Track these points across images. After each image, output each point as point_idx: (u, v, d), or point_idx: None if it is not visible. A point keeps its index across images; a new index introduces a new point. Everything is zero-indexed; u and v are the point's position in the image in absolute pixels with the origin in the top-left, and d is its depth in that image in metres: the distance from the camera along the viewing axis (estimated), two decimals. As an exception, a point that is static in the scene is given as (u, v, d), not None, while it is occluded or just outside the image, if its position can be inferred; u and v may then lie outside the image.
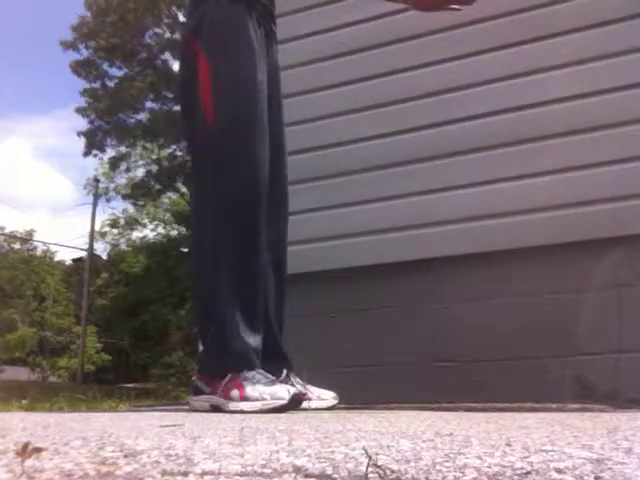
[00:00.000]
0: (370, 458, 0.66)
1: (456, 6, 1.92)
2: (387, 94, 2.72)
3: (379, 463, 0.65)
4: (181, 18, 20.09)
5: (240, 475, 0.64)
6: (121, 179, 24.08)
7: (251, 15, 1.88)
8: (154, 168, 21.53)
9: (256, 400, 1.64)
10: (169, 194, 23.27)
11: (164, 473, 0.65)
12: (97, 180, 24.87)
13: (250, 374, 1.69)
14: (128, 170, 23.13)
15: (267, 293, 1.91)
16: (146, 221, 27.10)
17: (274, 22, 2.02)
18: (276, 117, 1.97)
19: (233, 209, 1.77)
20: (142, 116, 20.84)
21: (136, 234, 28.35)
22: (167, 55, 20.76)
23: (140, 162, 22.63)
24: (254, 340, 1.76)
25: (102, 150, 21.12)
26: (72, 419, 1.35)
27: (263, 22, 1.94)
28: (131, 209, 26.69)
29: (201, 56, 1.85)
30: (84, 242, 27.52)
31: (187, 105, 1.92)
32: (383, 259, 2.55)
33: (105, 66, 20.26)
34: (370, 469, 0.63)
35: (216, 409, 1.69)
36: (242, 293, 1.77)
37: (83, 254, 26.90)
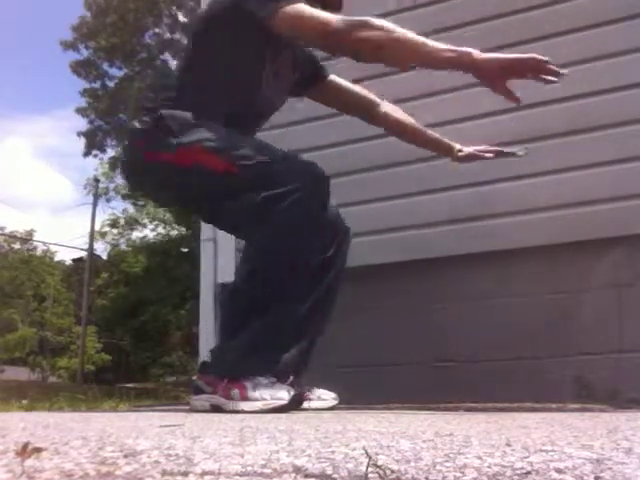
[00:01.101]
0: (370, 458, 0.66)
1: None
2: (387, 94, 2.72)
3: (379, 463, 0.65)
4: (181, 18, 20.12)
5: (240, 475, 0.64)
6: (121, 179, 24.07)
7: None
8: (154, 168, 21.50)
9: (256, 400, 1.64)
10: (169, 194, 23.22)
11: (164, 473, 0.65)
12: (97, 180, 24.87)
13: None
14: (128, 170, 23.10)
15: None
16: (146, 221, 27.10)
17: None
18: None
19: (295, 216, 1.72)
20: (142, 116, 20.82)
21: (136, 234, 28.34)
22: (167, 55, 20.75)
23: (140, 162, 22.60)
24: (285, 357, 1.79)
25: (102, 150, 21.13)
26: (72, 419, 1.35)
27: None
28: (131, 209, 26.69)
29: (169, 155, 1.80)
30: (84, 242, 27.52)
31: (197, 194, 1.87)
32: (383, 259, 2.55)
33: (105, 66, 20.27)
34: (370, 469, 0.63)
35: (216, 409, 1.69)
36: (293, 303, 1.78)
37: (83, 254, 26.90)
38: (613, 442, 0.81)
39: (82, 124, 21.76)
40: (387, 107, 2.24)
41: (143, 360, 26.86)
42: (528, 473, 0.62)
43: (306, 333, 1.94)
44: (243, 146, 1.82)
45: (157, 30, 20.44)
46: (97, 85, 20.52)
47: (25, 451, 0.68)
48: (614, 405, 1.98)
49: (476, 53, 1.76)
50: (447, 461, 0.67)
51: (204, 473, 0.65)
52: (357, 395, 2.32)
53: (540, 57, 1.78)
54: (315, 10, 1.82)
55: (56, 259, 36.73)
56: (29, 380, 22.97)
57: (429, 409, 2.00)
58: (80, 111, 20.22)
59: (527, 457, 0.68)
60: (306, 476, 0.63)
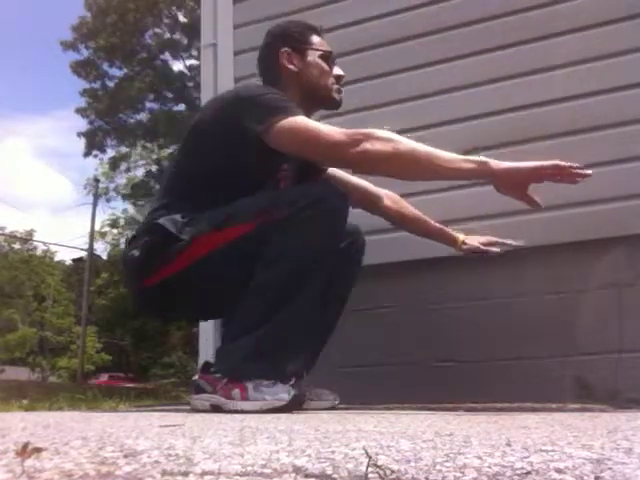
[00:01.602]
0: (370, 458, 0.66)
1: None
2: (387, 94, 2.72)
3: (379, 463, 0.65)
4: (181, 18, 20.12)
5: (240, 475, 0.64)
6: (121, 179, 24.09)
7: None
8: (154, 168, 21.54)
9: (256, 400, 1.64)
10: (169, 194, 23.24)
11: (164, 473, 0.65)
12: (97, 180, 24.89)
13: (253, 375, 1.70)
14: (128, 170, 23.16)
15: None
16: (146, 221, 27.05)
17: None
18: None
19: (314, 225, 1.71)
20: (142, 116, 20.86)
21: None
22: (167, 55, 20.76)
23: (140, 162, 22.66)
24: (294, 364, 1.79)
25: (102, 150, 21.17)
26: (72, 419, 1.35)
27: None
28: (131, 209, 26.69)
29: (176, 263, 1.76)
30: (84, 242, 27.51)
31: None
32: (383, 259, 2.55)
33: (105, 66, 20.28)
34: (370, 469, 0.63)
35: (216, 408, 1.69)
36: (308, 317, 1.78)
37: (83, 254, 26.90)
38: (613, 442, 0.81)
39: (82, 124, 21.77)
40: (387, 200, 2.25)
41: (143, 360, 26.86)
42: (528, 473, 0.62)
43: (315, 338, 1.94)
44: (238, 205, 1.77)
45: (157, 30, 20.45)
46: (97, 85, 20.54)
47: (25, 451, 0.68)
48: (614, 405, 1.98)
49: (494, 163, 1.71)
50: (447, 461, 0.67)
51: (204, 473, 0.65)
52: (357, 395, 2.32)
53: (563, 164, 1.70)
54: (314, 124, 1.76)
55: (56, 259, 36.77)
56: (29, 380, 22.97)
57: (429, 409, 2.00)
58: (80, 111, 20.24)
59: (527, 457, 0.68)
60: (306, 476, 0.63)
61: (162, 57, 20.73)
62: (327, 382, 2.10)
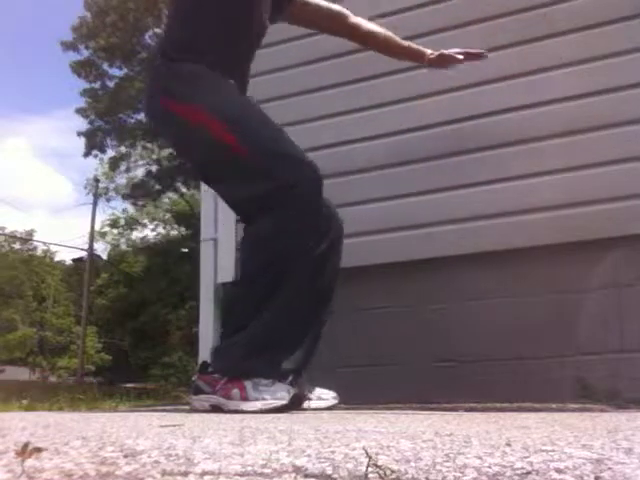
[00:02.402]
0: (370, 458, 0.66)
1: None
2: (387, 94, 2.72)
3: (379, 463, 0.65)
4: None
5: (240, 475, 0.64)
6: (121, 179, 24.08)
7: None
8: (154, 168, 21.54)
9: (256, 400, 1.64)
10: (169, 194, 23.27)
11: (164, 473, 0.65)
12: (97, 180, 24.87)
13: (252, 375, 1.70)
14: (128, 170, 23.14)
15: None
16: (146, 221, 27.10)
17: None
18: None
19: (300, 209, 1.76)
20: (142, 116, 20.84)
21: (136, 234, 28.35)
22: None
23: (140, 162, 22.64)
24: (289, 359, 1.79)
25: (102, 150, 21.14)
26: (72, 419, 1.35)
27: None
28: (131, 209, 26.70)
29: (183, 107, 1.83)
30: (84, 242, 27.50)
31: (207, 159, 1.88)
32: (383, 259, 2.55)
33: (105, 66, 20.27)
34: (370, 469, 0.63)
35: (216, 409, 1.69)
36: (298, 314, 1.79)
37: (83, 254, 26.89)
38: (613, 442, 0.81)
39: (82, 124, 21.76)
40: (359, 20, 2.27)
41: (143, 360, 26.85)
42: (528, 473, 0.62)
43: (307, 333, 1.94)
44: (248, 119, 1.83)
45: (157, 30, 20.43)
46: (97, 85, 20.52)
47: (25, 451, 0.68)
48: (614, 405, 1.98)
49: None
50: (447, 461, 0.67)
51: (204, 473, 0.65)
52: (357, 395, 2.32)
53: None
54: None
55: (56, 259, 36.75)
56: (29, 380, 22.96)
57: (429, 409, 2.00)
58: (80, 111, 20.23)
59: (527, 457, 0.68)
60: (306, 476, 0.63)
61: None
62: (327, 382, 2.10)
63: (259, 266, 1.77)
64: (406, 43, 2.27)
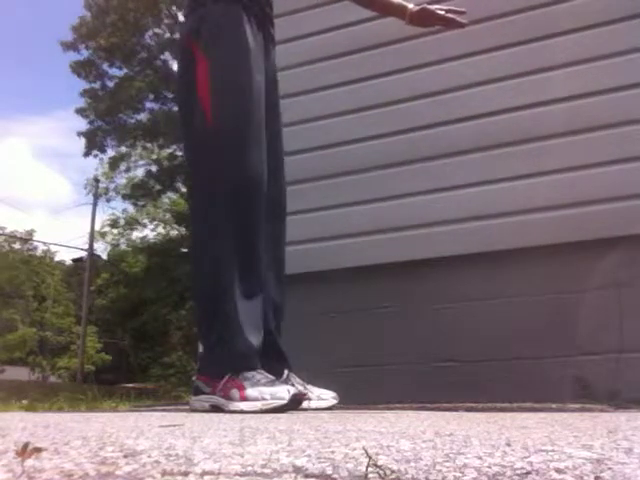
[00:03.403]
0: (370, 458, 0.66)
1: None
2: (387, 94, 2.72)
3: (379, 463, 0.65)
4: (181, 18, 20.08)
5: (240, 475, 0.64)
6: (121, 179, 24.09)
7: (249, 18, 1.89)
8: (154, 168, 21.55)
9: (256, 400, 1.64)
10: (169, 194, 23.28)
11: (164, 473, 0.65)
12: (97, 180, 24.88)
13: (250, 374, 1.69)
14: (128, 170, 23.15)
15: (266, 293, 1.91)
16: (146, 221, 27.11)
17: (272, 26, 2.03)
18: (273, 119, 1.98)
19: (231, 209, 1.78)
20: (142, 116, 20.86)
21: (136, 234, 28.35)
22: (167, 55, 20.75)
23: (140, 162, 22.65)
24: (257, 340, 1.76)
25: (102, 150, 21.13)
26: (72, 419, 1.34)
27: (261, 26, 1.94)
28: (131, 209, 26.71)
29: (200, 57, 1.86)
30: (84, 242, 27.52)
31: (186, 105, 1.93)
32: (383, 259, 2.55)
33: (105, 66, 20.27)
34: (370, 469, 0.63)
35: (216, 409, 1.69)
36: (244, 293, 1.77)
37: (83, 254, 26.89)
38: (613, 442, 0.81)
39: (82, 124, 21.77)
40: None
41: (143, 360, 26.85)
42: (528, 473, 0.62)
43: (265, 303, 1.91)
44: (236, 99, 1.84)
45: (157, 30, 20.44)
46: (97, 85, 20.53)
47: (25, 451, 0.68)
48: (614, 405, 1.98)
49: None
50: (447, 461, 0.67)
51: (204, 473, 0.64)
52: (357, 395, 2.32)
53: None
54: None
55: (56, 259, 36.75)
56: (29, 380, 22.97)
57: (429, 409, 2.00)
58: (80, 111, 20.23)
59: (527, 457, 0.68)
60: (306, 476, 0.63)
61: (162, 57, 20.73)
62: (327, 382, 2.10)
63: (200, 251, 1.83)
64: None
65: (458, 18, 2.11)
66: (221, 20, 1.88)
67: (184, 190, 21.80)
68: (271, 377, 1.70)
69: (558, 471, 0.62)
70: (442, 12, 2.13)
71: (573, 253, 2.33)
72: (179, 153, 19.68)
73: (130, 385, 16.33)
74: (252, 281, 1.80)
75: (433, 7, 2.15)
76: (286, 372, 1.83)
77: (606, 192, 2.30)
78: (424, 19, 2.15)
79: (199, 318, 1.88)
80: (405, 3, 2.19)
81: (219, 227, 1.78)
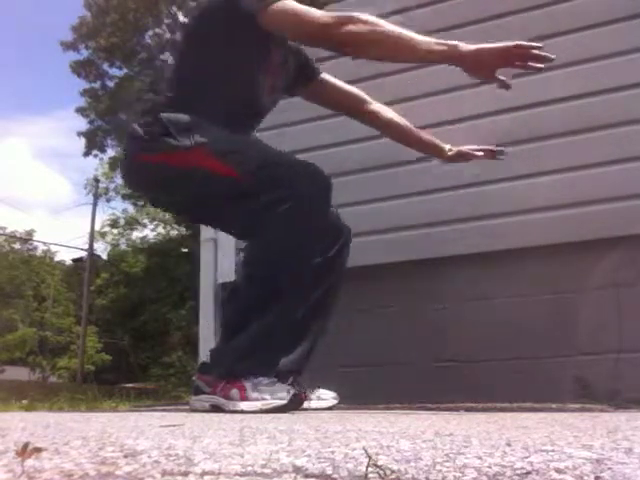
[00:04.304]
0: (370, 458, 0.66)
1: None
2: (387, 94, 2.72)
3: (379, 463, 0.65)
4: (181, 18, 20.06)
5: (240, 475, 0.64)
6: (121, 179, 24.06)
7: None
8: (154, 168, 21.52)
9: (256, 400, 1.64)
10: (169, 194, 23.24)
11: (164, 473, 0.65)
12: (97, 180, 24.89)
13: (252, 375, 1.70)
14: (128, 170, 23.11)
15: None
16: (146, 221, 27.10)
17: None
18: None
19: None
20: (142, 116, 20.83)
21: (136, 234, 28.35)
22: (167, 55, 20.70)
23: (140, 162, 22.62)
24: (285, 359, 1.80)
25: (102, 150, 21.13)
26: (72, 419, 1.35)
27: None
28: (131, 209, 26.71)
29: (175, 155, 1.80)
30: (84, 242, 27.51)
31: (199, 196, 1.85)
32: (383, 259, 2.55)
33: (105, 66, 20.26)
34: (370, 469, 0.63)
35: (216, 409, 1.69)
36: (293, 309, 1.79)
37: (83, 254, 26.89)
38: (613, 442, 0.80)
39: (82, 124, 21.77)
40: (378, 107, 2.25)
41: (143, 360, 26.84)
42: (528, 473, 0.62)
43: (307, 335, 1.94)
44: (244, 149, 1.83)
45: (157, 30, 20.42)
46: (97, 85, 20.52)
47: (25, 451, 0.68)
48: (614, 405, 1.98)
49: (463, 45, 1.74)
50: (447, 461, 0.67)
51: (204, 473, 0.64)
52: (357, 395, 2.32)
53: (527, 44, 1.76)
54: (302, 6, 1.84)
55: (56, 259, 36.73)
56: (29, 380, 22.96)
57: (429, 409, 2.00)
58: (80, 111, 20.23)
59: (527, 457, 0.68)
60: (306, 476, 0.63)
61: (162, 57, 20.71)
62: (327, 382, 2.10)
63: (264, 272, 1.76)
64: (425, 136, 2.24)
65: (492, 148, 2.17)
66: (184, 120, 1.83)
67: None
68: (273, 378, 1.70)
69: (558, 471, 0.62)
70: (478, 152, 2.17)
71: (573, 253, 2.33)
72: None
73: (130, 385, 16.32)
74: (301, 300, 1.81)
75: (469, 147, 2.19)
76: (291, 378, 1.83)
77: (606, 192, 2.30)
78: (460, 158, 2.21)
79: (234, 315, 1.84)
80: (441, 144, 2.22)
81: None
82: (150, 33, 20.15)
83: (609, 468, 0.63)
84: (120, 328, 27.55)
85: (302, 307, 1.81)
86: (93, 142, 20.54)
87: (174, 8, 19.70)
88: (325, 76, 2.23)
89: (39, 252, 36.12)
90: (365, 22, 1.76)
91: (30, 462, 0.67)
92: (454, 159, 2.22)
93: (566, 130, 2.40)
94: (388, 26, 1.76)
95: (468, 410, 1.84)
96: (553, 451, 0.72)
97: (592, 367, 2.24)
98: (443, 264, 2.48)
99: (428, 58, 1.84)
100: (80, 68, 19.90)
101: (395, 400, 2.29)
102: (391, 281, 2.59)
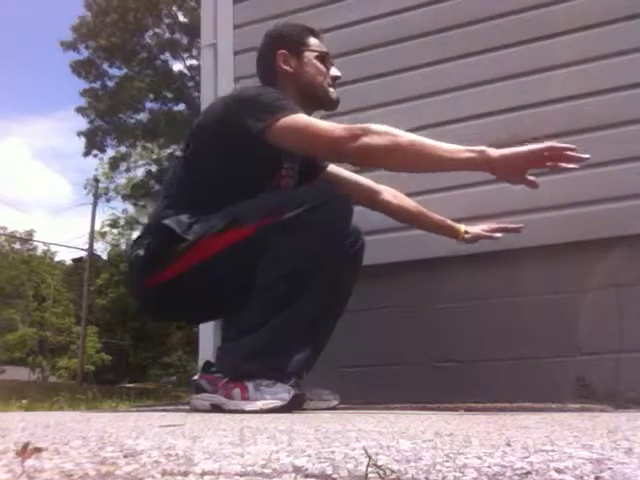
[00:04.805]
0: (370, 458, 0.66)
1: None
2: (386, 94, 2.72)
3: (379, 463, 0.65)
4: (181, 18, 20.11)
5: (240, 475, 0.64)
6: (121, 179, 24.10)
7: None
8: (154, 168, 21.55)
9: (257, 400, 1.64)
10: (169, 194, 23.25)
11: (164, 473, 0.65)
12: (97, 180, 24.91)
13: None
14: (128, 170, 23.17)
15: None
16: (146, 221, 27.11)
17: None
18: None
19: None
20: (142, 116, 20.87)
21: (136, 234, 28.37)
22: (167, 55, 20.74)
23: (140, 162, 22.66)
24: (292, 362, 1.77)
25: (102, 150, 21.16)
26: (72, 419, 1.35)
27: None
28: (131, 209, 26.71)
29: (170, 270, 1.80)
30: (84, 242, 27.52)
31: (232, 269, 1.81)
32: (383, 259, 2.55)
33: (105, 66, 20.28)
34: (370, 469, 0.63)
35: (217, 408, 1.69)
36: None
37: (83, 254, 26.90)
38: (613, 442, 0.81)
39: (82, 124, 21.78)
40: (387, 195, 2.24)
41: (143, 360, 26.85)
42: (528, 473, 0.62)
43: (315, 337, 1.94)
44: (244, 208, 1.79)
45: (157, 30, 20.44)
46: (97, 85, 20.54)
47: (25, 451, 0.68)
48: (614, 405, 1.98)
49: (492, 151, 1.70)
50: (447, 461, 0.67)
51: (204, 473, 0.65)
52: (357, 395, 2.32)
53: (559, 145, 1.69)
54: (314, 120, 1.79)
55: (56, 259, 36.76)
56: (29, 380, 22.97)
57: (429, 409, 2.00)
58: (80, 111, 20.25)
59: (527, 457, 0.68)
60: (306, 476, 0.63)
61: (162, 57, 20.72)
62: (327, 382, 2.10)
63: (278, 278, 1.73)
64: (438, 218, 2.22)
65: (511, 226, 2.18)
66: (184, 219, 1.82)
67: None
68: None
69: (558, 471, 0.63)
70: (497, 233, 2.18)
71: (573, 253, 2.33)
72: (179, 153, 19.68)
73: (130, 385, 16.32)
74: (312, 305, 1.79)
75: (487, 228, 2.20)
76: (293, 379, 1.82)
77: (606, 192, 2.30)
78: (476, 240, 2.21)
79: (249, 313, 1.80)
80: (456, 226, 2.23)
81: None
82: (150, 33, 20.16)
83: (609, 468, 0.63)
84: (120, 328, 27.58)
85: (314, 312, 1.79)
86: (93, 142, 20.56)
87: (174, 8, 19.72)
88: (333, 169, 2.21)
89: (39, 252, 36.17)
90: (379, 133, 1.70)
91: (30, 462, 0.67)
92: (470, 241, 2.21)
93: (566, 130, 2.39)
94: (406, 136, 1.71)
95: (468, 410, 1.84)
96: (553, 451, 0.72)
97: (592, 367, 2.24)
98: (443, 264, 2.48)
99: (454, 168, 1.79)
100: (80, 68, 19.92)
101: (395, 400, 2.29)
102: (391, 281, 2.58)
